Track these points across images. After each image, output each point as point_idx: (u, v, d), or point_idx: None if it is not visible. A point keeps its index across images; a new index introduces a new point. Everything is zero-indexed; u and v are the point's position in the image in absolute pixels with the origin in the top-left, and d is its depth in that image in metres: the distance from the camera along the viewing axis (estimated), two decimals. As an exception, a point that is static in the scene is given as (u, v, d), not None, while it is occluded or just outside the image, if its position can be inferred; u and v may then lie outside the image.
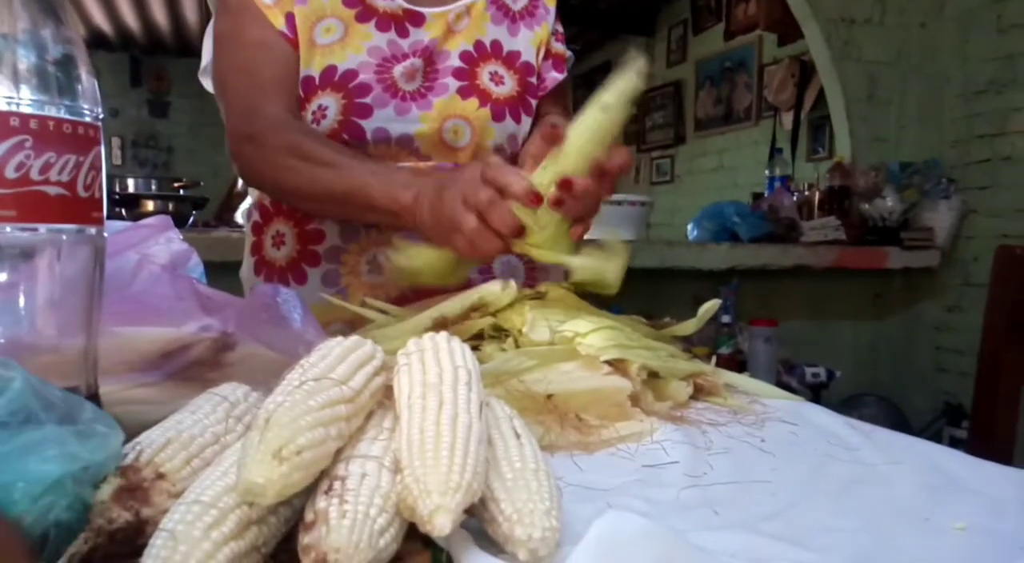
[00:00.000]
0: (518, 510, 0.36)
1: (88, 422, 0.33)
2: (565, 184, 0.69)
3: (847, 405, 2.48)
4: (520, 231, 0.67)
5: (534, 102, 1.01)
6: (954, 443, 2.50)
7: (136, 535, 0.35)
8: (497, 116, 0.97)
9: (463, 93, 0.96)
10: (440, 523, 0.33)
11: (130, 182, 2.06)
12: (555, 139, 0.73)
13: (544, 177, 0.72)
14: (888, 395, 2.67)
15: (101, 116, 0.44)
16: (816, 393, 2.24)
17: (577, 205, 0.71)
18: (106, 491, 0.36)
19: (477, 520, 0.39)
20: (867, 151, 2.82)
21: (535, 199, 0.66)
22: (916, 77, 2.83)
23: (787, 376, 2.20)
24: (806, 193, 2.81)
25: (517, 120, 0.99)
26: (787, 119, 3.82)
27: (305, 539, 0.33)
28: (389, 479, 0.36)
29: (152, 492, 0.36)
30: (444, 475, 0.34)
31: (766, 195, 2.84)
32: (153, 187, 2.12)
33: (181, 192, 2.17)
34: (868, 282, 2.71)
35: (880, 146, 2.83)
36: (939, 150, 2.82)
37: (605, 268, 0.73)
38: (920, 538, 0.41)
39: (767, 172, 3.01)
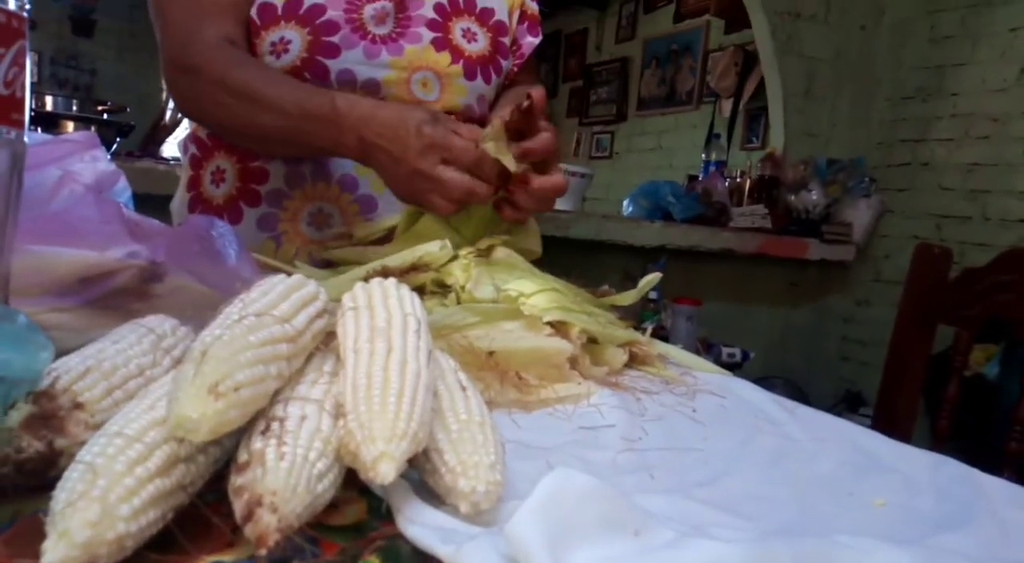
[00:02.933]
0: (462, 462, 0.35)
1: (23, 328, 0.30)
2: (510, 204, 0.77)
3: (757, 385, 2.58)
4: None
5: (504, 63, 0.99)
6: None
7: (48, 467, 0.33)
8: (469, 74, 0.93)
9: (436, 45, 0.92)
10: (384, 470, 0.32)
11: (48, 100, 1.88)
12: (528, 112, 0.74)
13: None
14: (794, 379, 2.80)
15: (28, 6, 0.40)
16: (730, 372, 2.32)
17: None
18: (15, 418, 0.33)
19: (417, 471, 0.38)
20: (798, 145, 2.90)
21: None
22: (851, 77, 2.92)
23: (705, 354, 2.26)
24: (738, 180, 2.88)
25: (488, 80, 0.96)
26: (726, 106, 3.89)
27: (238, 480, 0.31)
28: (330, 423, 0.35)
29: (68, 422, 0.34)
30: (390, 422, 0.33)
31: (700, 178, 2.90)
32: (74, 107, 1.95)
33: (105, 116, 2.00)
34: (787, 270, 2.81)
35: (811, 141, 2.92)
36: (865, 150, 2.93)
37: (527, 240, 0.82)
38: (844, 511, 0.43)
39: (703, 156, 3.07)
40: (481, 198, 0.72)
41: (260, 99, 0.78)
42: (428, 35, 0.91)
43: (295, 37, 0.85)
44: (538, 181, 0.75)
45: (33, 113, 1.78)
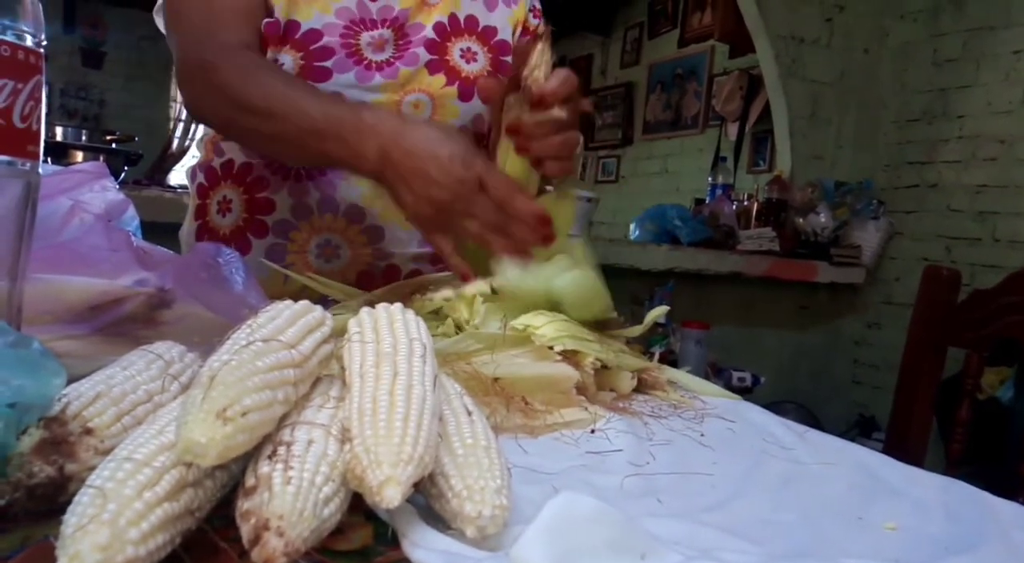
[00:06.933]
0: (468, 486, 0.35)
1: (37, 355, 0.31)
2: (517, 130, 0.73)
3: (768, 410, 2.56)
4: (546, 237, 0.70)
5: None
6: (863, 453, 2.61)
7: (58, 492, 0.33)
8: (464, 95, 0.94)
9: (431, 68, 0.92)
10: (389, 495, 0.32)
11: (58, 130, 1.93)
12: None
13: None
14: (806, 403, 2.77)
15: (44, 42, 0.41)
16: (740, 397, 2.31)
17: (541, 144, 0.74)
18: (27, 443, 0.33)
19: (423, 496, 0.38)
20: (805, 167, 2.91)
21: (545, 226, 0.69)
22: (856, 101, 2.94)
23: (715, 378, 2.25)
24: (745, 203, 2.89)
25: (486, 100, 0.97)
26: (732, 130, 3.91)
27: (245, 504, 0.31)
28: (336, 448, 0.35)
29: (78, 447, 0.34)
30: (396, 446, 0.33)
31: (707, 202, 2.91)
32: (84, 137, 1.99)
33: (114, 145, 2.04)
34: (796, 293, 2.80)
35: (818, 164, 2.93)
36: (872, 172, 2.94)
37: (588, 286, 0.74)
38: (854, 535, 0.42)
39: (710, 179, 3.07)
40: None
41: (276, 103, 0.75)
42: (425, 57, 0.91)
43: (288, 60, 0.86)
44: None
45: (44, 143, 1.81)
